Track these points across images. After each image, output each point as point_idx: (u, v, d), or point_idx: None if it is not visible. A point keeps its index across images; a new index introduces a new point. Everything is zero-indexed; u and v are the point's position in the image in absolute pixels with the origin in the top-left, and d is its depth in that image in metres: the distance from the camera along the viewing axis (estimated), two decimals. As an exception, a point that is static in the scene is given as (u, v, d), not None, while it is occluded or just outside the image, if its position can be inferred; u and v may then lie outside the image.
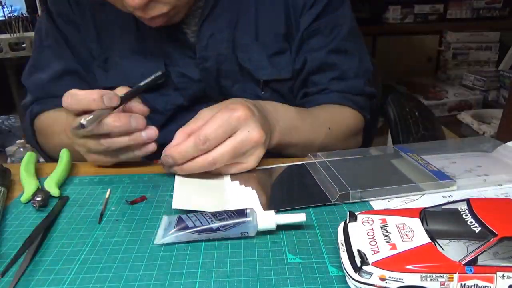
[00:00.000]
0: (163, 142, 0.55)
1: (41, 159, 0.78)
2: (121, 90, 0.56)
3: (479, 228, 0.35)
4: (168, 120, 0.74)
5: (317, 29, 0.72)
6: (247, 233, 0.43)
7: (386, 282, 0.33)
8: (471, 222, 0.36)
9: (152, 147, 0.56)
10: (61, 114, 0.66)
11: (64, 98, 0.52)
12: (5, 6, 2.44)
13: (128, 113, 0.54)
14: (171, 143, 0.54)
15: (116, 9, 0.67)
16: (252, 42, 0.70)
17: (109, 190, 0.54)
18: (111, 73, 0.72)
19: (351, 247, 0.37)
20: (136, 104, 0.57)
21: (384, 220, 0.39)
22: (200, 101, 0.73)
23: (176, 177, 0.54)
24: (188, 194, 0.51)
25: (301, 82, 0.75)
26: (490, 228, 0.34)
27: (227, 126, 0.51)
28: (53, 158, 0.75)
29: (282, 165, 0.60)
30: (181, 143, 0.52)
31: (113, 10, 0.67)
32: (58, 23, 0.73)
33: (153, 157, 0.59)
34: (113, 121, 0.52)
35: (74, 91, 0.52)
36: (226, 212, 0.44)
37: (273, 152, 0.63)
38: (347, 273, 0.35)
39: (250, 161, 0.56)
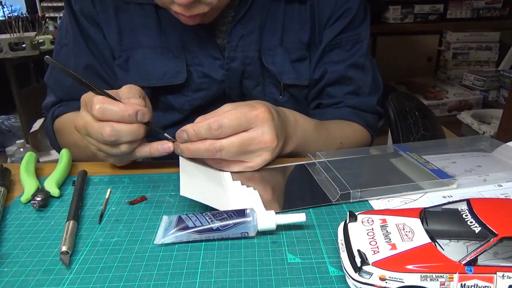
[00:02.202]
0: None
1: (41, 159, 0.78)
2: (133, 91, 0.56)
3: (479, 228, 0.35)
4: (184, 118, 0.75)
5: (339, 43, 0.74)
6: (247, 233, 0.43)
7: (386, 282, 0.33)
8: (471, 222, 0.36)
9: (168, 147, 0.55)
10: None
11: (95, 106, 0.50)
12: (5, 6, 2.44)
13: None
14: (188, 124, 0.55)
15: (140, 8, 0.68)
16: (277, 46, 0.72)
17: (109, 190, 0.54)
18: (132, 73, 0.72)
19: (351, 247, 0.37)
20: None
21: (384, 220, 0.39)
22: (219, 101, 0.73)
23: (181, 166, 0.54)
24: (193, 185, 0.51)
25: (316, 92, 0.77)
26: (490, 228, 0.34)
27: (243, 120, 0.52)
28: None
29: (282, 165, 0.60)
30: (198, 123, 0.53)
31: (137, 10, 0.68)
32: (81, 21, 0.72)
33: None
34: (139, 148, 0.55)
35: (107, 104, 0.50)
36: (226, 212, 0.44)
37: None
38: (347, 273, 0.35)
39: (255, 162, 0.56)
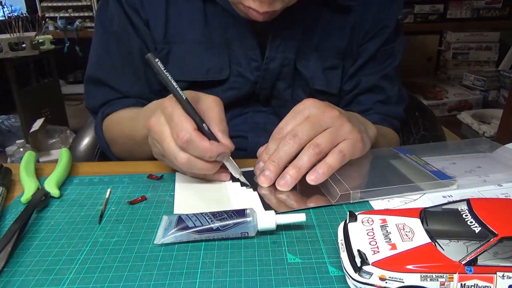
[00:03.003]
0: None
1: (41, 159, 0.78)
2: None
3: (479, 228, 0.35)
4: None
5: (375, 56, 0.76)
6: (247, 233, 0.43)
7: (386, 282, 0.33)
8: (471, 222, 0.36)
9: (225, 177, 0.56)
10: (136, 111, 0.70)
11: (183, 139, 0.48)
12: (5, 6, 2.44)
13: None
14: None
15: (188, 3, 0.69)
16: (312, 52, 0.73)
17: (109, 190, 0.54)
18: (172, 66, 0.72)
19: (351, 247, 0.37)
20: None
21: (384, 220, 0.40)
22: (245, 100, 0.75)
23: (176, 181, 0.55)
24: (189, 199, 0.51)
25: (347, 101, 0.79)
26: (490, 228, 0.34)
27: (335, 136, 0.53)
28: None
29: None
30: (295, 163, 0.52)
31: (185, 3, 0.69)
32: (126, 9, 0.72)
33: None
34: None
35: (196, 140, 0.48)
36: (226, 212, 0.44)
37: None
38: (347, 273, 0.35)
39: (349, 150, 0.54)
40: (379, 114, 0.78)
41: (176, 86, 0.50)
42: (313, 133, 0.52)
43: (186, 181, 0.56)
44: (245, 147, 0.74)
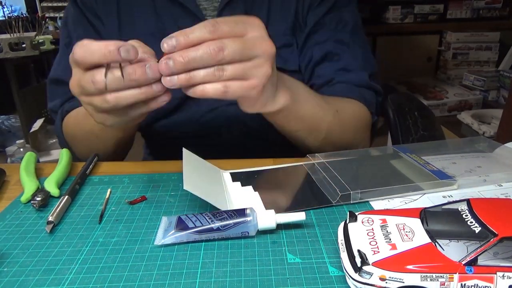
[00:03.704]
0: (165, 131, 0.53)
1: (41, 159, 0.78)
2: (135, 43, 0.48)
3: (479, 228, 0.35)
4: (172, 111, 0.74)
5: (322, 24, 0.74)
6: (248, 233, 0.43)
7: (386, 282, 0.33)
8: (471, 222, 0.36)
9: (166, 97, 0.48)
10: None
11: (75, 50, 0.44)
12: (5, 6, 2.44)
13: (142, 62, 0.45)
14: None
15: (138, 1, 0.69)
16: None
17: (109, 190, 0.54)
18: None
19: (351, 247, 0.37)
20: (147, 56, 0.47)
21: (384, 220, 0.39)
22: None
23: (184, 161, 0.51)
24: (196, 181, 0.50)
25: (307, 76, 0.76)
26: (490, 228, 0.34)
27: (240, 21, 0.45)
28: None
29: (281, 166, 0.60)
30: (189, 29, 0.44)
31: (135, 0, 0.69)
32: (86, 14, 0.73)
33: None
34: (129, 74, 0.44)
35: (87, 42, 0.44)
36: (226, 211, 0.44)
37: (279, 135, 0.62)
38: (347, 273, 0.35)
39: (258, 77, 0.46)
40: (343, 83, 0.72)
41: None
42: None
43: (191, 161, 0.54)
44: (221, 143, 0.74)
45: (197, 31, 0.43)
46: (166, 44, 0.43)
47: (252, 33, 0.46)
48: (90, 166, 0.60)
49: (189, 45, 0.43)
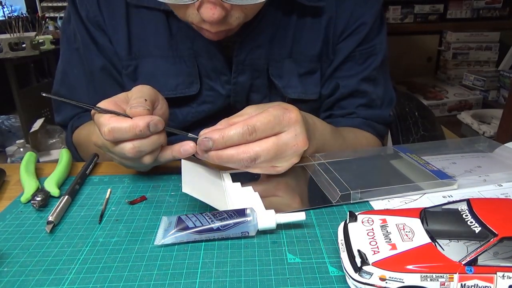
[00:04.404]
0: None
1: (41, 159, 0.78)
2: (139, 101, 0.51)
3: (479, 228, 0.35)
4: (185, 130, 0.73)
5: (353, 56, 0.72)
6: (248, 233, 0.43)
7: (386, 282, 0.33)
8: (471, 222, 0.36)
9: (190, 148, 0.52)
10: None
11: (105, 132, 0.48)
12: (5, 6, 2.44)
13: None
14: (211, 128, 0.51)
15: (151, 14, 0.65)
16: (285, 59, 0.70)
17: (109, 190, 0.54)
18: (141, 83, 0.66)
19: (351, 247, 0.37)
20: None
21: (384, 220, 0.39)
22: (223, 114, 0.70)
23: (182, 164, 0.53)
24: (195, 183, 0.50)
25: (328, 105, 0.76)
26: (490, 228, 0.34)
27: (276, 124, 0.49)
28: None
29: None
30: (226, 128, 0.48)
31: (148, 16, 0.66)
32: (88, 27, 0.69)
33: None
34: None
35: (115, 125, 0.48)
36: (226, 212, 0.44)
37: None
38: (347, 273, 0.35)
39: (283, 166, 0.53)
40: (362, 118, 0.75)
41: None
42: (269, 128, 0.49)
43: (190, 165, 0.54)
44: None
45: (235, 137, 0.48)
46: (204, 145, 0.49)
47: (287, 135, 0.50)
48: (90, 166, 0.60)
49: (224, 146, 0.49)
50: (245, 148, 0.48)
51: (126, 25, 0.68)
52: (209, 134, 0.48)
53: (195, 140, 0.51)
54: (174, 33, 0.67)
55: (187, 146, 0.51)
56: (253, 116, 0.49)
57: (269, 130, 0.49)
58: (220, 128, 0.49)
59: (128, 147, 0.49)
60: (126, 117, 0.49)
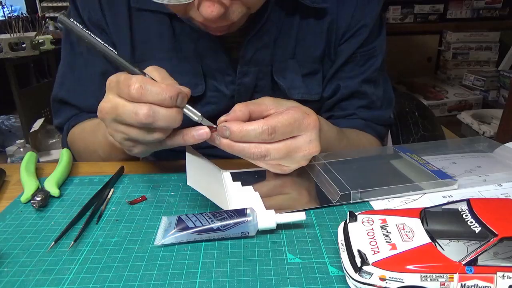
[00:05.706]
0: (180, 148, 0.53)
1: (41, 159, 0.78)
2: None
3: (479, 228, 0.35)
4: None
5: (354, 58, 0.73)
6: (248, 233, 0.43)
7: (386, 282, 0.33)
8: (471, 222, 0.36)
9: (205, 133, 0.51)
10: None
11: (135, 87, 0.45)
12: (5, 6, 2.44)
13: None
14: (229, 114, 0.51)
15: (154, 17, 0.65)
16: (288, 59, 0.70)
17: (111, 190, 0.54)
18: None
19: (351, 247, 0.37)
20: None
21: (384, 220, 0.39)
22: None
23: (187, 157, 0.52)
24: (198, 178, 0.50)
25: (328, 106, 0.76)
26: (490, 228, 0.34)
27: (296, 127, 0.50)
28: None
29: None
30: (247, 123, 0.49)
31: (151, 18, 0.66)
32: (90, 30, 0.69)
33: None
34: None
35: (148, 84, 0.46)
36: (226, 211, 0.44)
37: None
38: (347, 273, 0.35)
39: (290, 167, 0.54)
40: (362, 119, 0.76)
41: (110, 49, 0.48)
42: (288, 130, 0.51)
43: (195, 158, 0.54)
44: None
45: (252, 134, 0.49)
46: (221, 133, 0.50)
47: (301, 139, 0.51)
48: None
49: (240, 141, 0.50)
50: (257, 144, 0.50)
51: (129, 29, 0.67)
52: (228, 124, 0.50)
53: (209, 127, 0.50)
54: (178, 35, 0.67)
55: (202, 131, 0.50)
56: (274, 117, 0.50)
57: (288, 133, 0.50)
58: (236, 116, 0.51)
59: (144, 109, 0.46)
60: (158, 82, 0.47)
